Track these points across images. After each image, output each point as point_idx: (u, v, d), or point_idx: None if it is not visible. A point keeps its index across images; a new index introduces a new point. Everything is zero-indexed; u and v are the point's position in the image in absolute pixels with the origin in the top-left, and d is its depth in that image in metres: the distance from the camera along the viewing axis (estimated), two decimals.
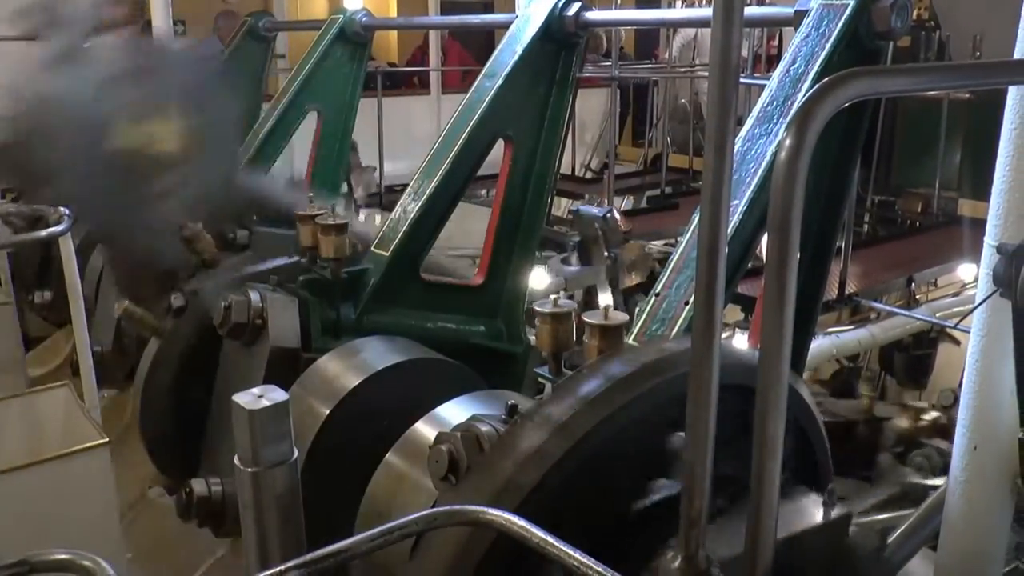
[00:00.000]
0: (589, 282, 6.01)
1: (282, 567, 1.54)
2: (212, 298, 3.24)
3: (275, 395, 1.85)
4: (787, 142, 1.42)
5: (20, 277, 5.25)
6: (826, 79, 1.50)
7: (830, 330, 6.00)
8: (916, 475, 4.23)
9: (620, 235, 5.90)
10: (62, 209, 3.78)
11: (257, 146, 4.90)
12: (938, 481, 3.09)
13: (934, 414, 5.20)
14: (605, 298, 5.67)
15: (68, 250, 3.73)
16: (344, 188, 6.08)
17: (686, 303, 2.53)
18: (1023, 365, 2.34)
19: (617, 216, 5.98)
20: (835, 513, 2.02)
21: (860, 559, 2.02)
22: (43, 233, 3.68)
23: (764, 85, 2.90)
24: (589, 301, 5.76)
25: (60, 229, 3.66)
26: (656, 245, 6.74)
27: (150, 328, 3.74)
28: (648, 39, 13.94)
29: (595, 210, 5.87)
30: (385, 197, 8.35)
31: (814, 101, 1.45)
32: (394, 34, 14.62)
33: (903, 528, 2.67)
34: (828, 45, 2.74)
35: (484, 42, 10.74)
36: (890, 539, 2.60)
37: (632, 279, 5.85)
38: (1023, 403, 2.38)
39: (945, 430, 5.00)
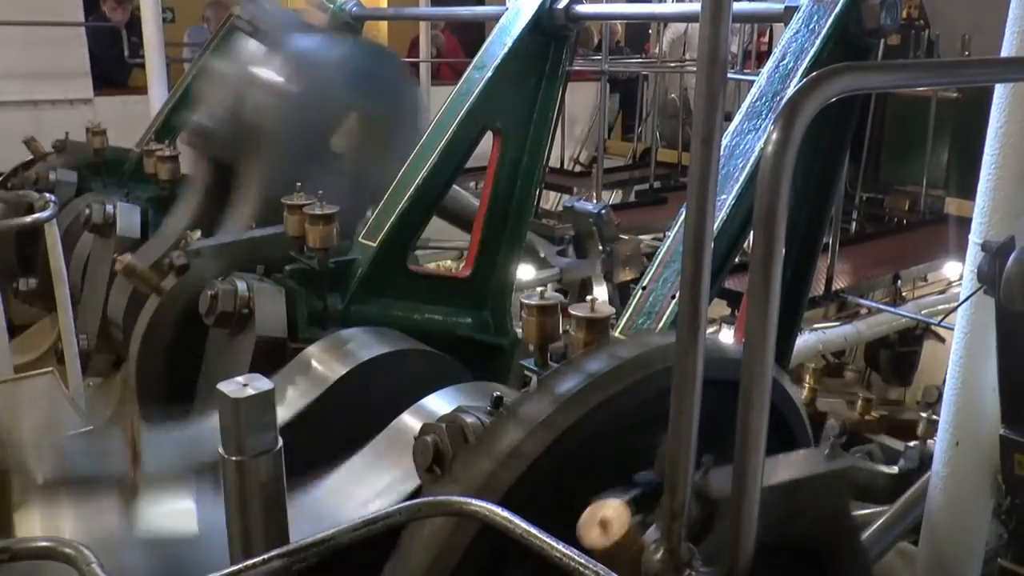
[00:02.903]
0: (584, 275, 6.01)
1: (265, 556, 1.54)
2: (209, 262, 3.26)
3: (260, 384, 1.84)
4: (774, 136, 1.42)
5: (4, 263, 5.23)
6: (814, 74, 1.50)
7: (816, 326, 6.03)
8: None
9: (615, 231, 5.90)
10: (47, 195, 3.76)
11: None
12: (891, 469, 3.11)
13: (883, 411, 5.24)
14: (600, 291, 5.67)
15: (54, 236, 3.71)
16: None
17: (673, 297, 2.54)
18: (1005, 362, 2.36)
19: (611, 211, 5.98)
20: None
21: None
22: (28, 219, 3.66)
23: (753, 81, 2.90)
24: (583, 295, 5.76)
25: (46, 215, 3.65)
26: (644, 239, 6.75)
27: (150, 285, 3.66)
28: (639, 35, 13.95)
29: (589, 206, 5.84)
30: None
31: (802, 95, 1.45)
32: (385, 29, 14.57)
33: (880, 522, 2.69)
34: (818, 42, 2.74)
35: (480, 36, 10.71)
36: (867, 533, 2.62)
37: (627, 273, 5.85)
38: (1005, 400, 2.40)
39: (895, 426, 5.04)
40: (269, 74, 4.11)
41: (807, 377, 5.26)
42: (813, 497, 1.86)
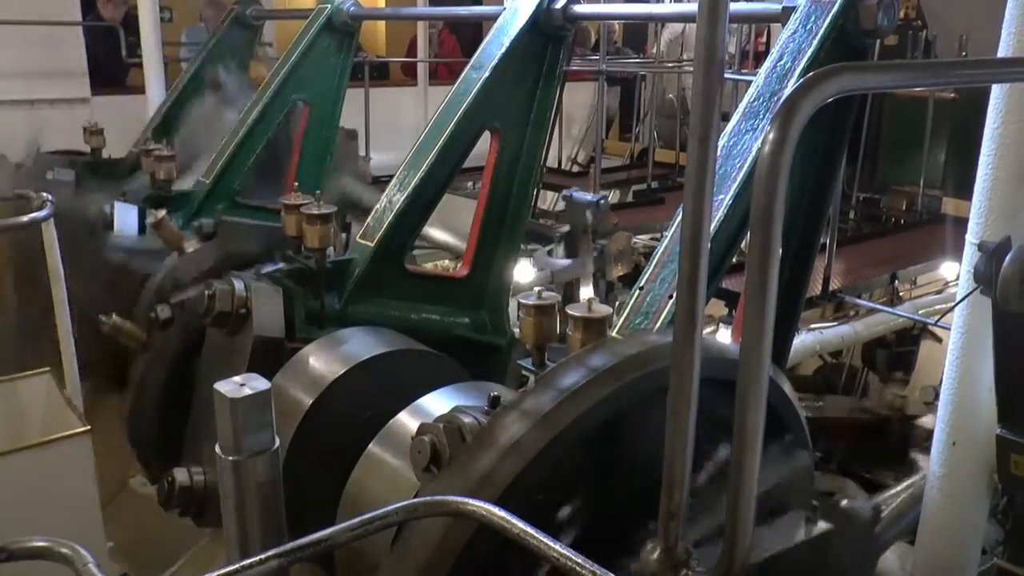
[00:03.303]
0: (575, 275, 6.01)
1: (263, 556, 1.54)
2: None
3: (257, 383, 1.84)
4: (771, 135, 1.42)
5: None
6: (811, 73, 1.51)
7: (813, 326, 6.04)
8: None
9: (610, 223, 5.89)
10: (44, 195, 3.76)
11: (243, 134, 4.87)
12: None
13: (880, 411, 5.26)
14: (587, 291, 5.67)
15: (51, 236, 3.70)
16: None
17: (670, 297, 2.54)
18: (1002, 362, 2.36)
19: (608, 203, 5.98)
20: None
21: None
22: (25, 219, 3.65)
23: (751, 81, 2.90)
24: (572, 294, 5.76)
25: (43, 215, 3.64)
26: (642, 239, 6.75)
27: (136, 341, 3.75)
28: (637, 35, 13.96)
29: (587, 196, 5.84)
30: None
31: (799, 95, 1.46)
32: (382, 29, 14.57)
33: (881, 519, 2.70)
34: (815, 42, 2.74)
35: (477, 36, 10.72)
36: None
37: (618, 270, 5.85)
38: (1001, 400, 2.41)
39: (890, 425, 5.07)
40: None
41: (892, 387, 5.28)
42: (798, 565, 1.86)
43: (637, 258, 6.04)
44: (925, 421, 5.39)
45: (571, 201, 5.83)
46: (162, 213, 4.03)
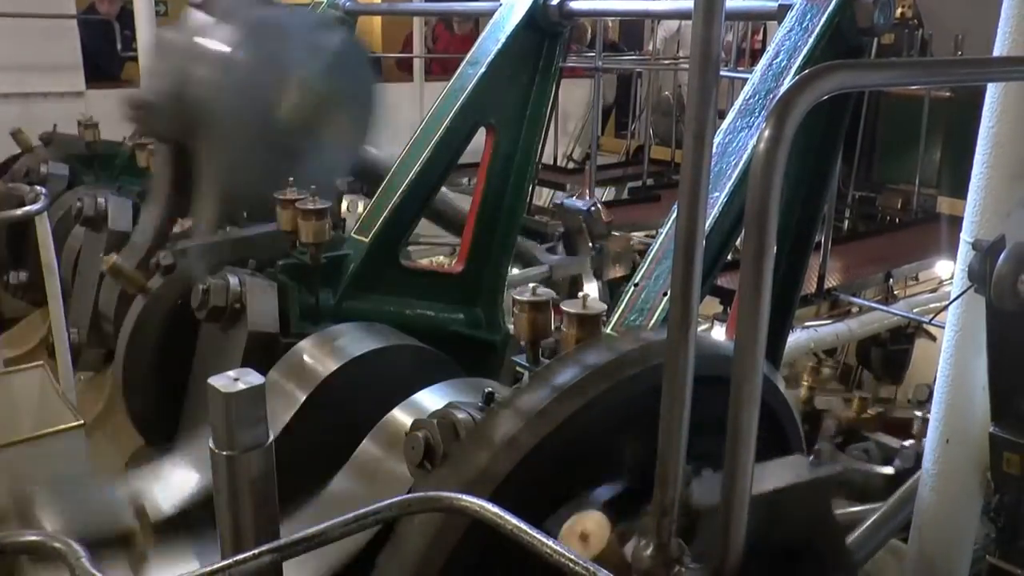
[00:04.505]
0: (574, 271, 6.01)
1: (256, 551, 1.54)
2: (196, 261, 3.24)
3: (251, 378, 1.83)
4: (766, 132, 1.42)
5: None
6: (807, 71, 1.51)
7: (808, 324, 6.05)
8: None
9: (604, 228, 5.90)
10: (38, 188, 3.75)
11: None
12: (886, 469, 3.11)
13: (879, 409, 5.27)
14: (590, 288, 5.67)
15: (44, 229, 3.70)
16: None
17: (664, 294, 2.54)
18: (995, 360, 2.37)
19: (602, 209, 5.98)
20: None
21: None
22: (19, 212, 3.65)
23: (747, 79, 2.90)
24: (574, 292, 5.76)
25: (36, 208, 3.63)
26: (637, 236, 6.75)
27: (136, 285, 3.67)
28: (633, 33, 13.95)
29: (579, 203, 5.84)
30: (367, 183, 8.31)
31: (794, 92, 1.46)
32: (378, 27, 14.53)
33: (872, 520, 2.70)
34: (811, 40, 2.75)
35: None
36: (859, 531, 2.63)
37: (617, 271, 5.85)
38: (995, 398, 2.41)
39: (891, 425, 5.07)
40: (215, 45, 3.79)
41: (803, 377, 5.29)
42: (796, 506, 1.86)
43: (635, 256, 6.03)
44: (834, 415, 5.42)
45: (562, 209, 5.85)
46: (113, 258, 3.64)
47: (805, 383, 5.99)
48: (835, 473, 1.93)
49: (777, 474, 1.85)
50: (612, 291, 5.78)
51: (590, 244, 5.75)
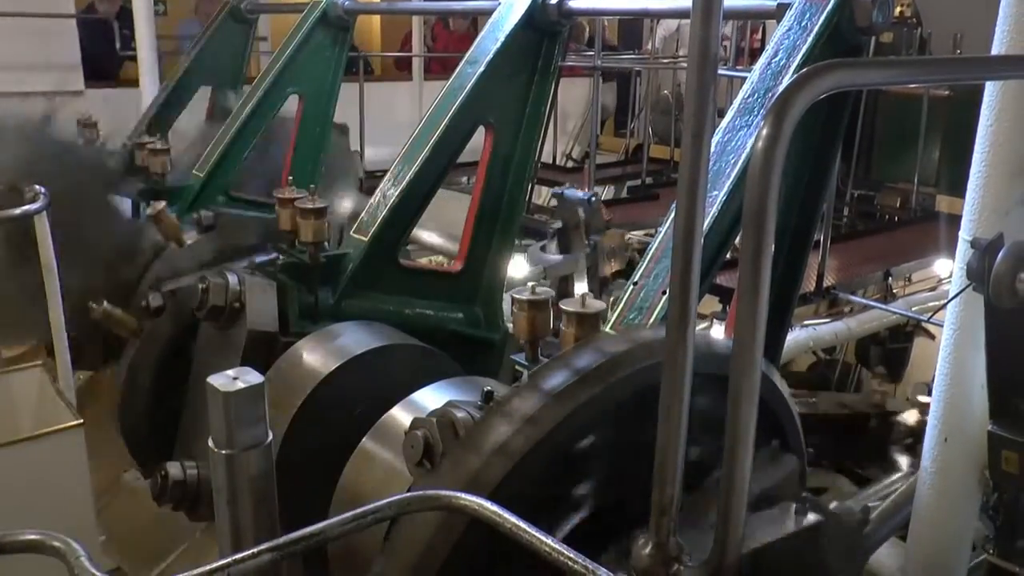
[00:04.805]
0: (569, 271, 6.01)
1: (255, 550, 1.54)
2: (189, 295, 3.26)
3: (250, 377, 1.84)
4: (764, 131, 1.42)
5: None
6: (805, 70, 1.51)
7: (807, 322, 6.05)
8: None
9: (602, 220, 5.90)
10: (38, 187, 3.74)
11: (237, 128, 4.86)
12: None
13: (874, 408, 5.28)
14: (581, 286, 5.67)
15: (44, 229, 3.69)
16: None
17: (663, 292, 2.54)
18: (994, 359, 2.37)
19: (600, 203, 5.98)
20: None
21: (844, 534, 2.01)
22: (17, 211, 3.64)
23: (746, 77, 2.91)
24: (566, 289, 5.76)
25: (36, 207, 3.63)
26: (636, 235, 6.76)
27: (127, 329, 3.74)
28: (634, 33, 13.95)
29: (579, 193, 5.85)
30: (366, 182, 8.32)
31: (792, 91, 1.46)
32: (377, 27, 14.53)
33: (872, 518, 2.70)
34: (810, 39, 2.74)
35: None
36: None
37: (611, 267, 5.85)
38: (993, 396, 2.41)
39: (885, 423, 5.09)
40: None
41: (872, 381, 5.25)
42: (786, 558, 1.86)
43: (631, 254, 6.03)
44: (905, 418, 5.42)
45: (563, 199, 5.84)
46: (161, 205, 4.01)
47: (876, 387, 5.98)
48: (821, 520, 1.92)
49: (762, 528, 1.84)
50: (603, 290, 5.79)
51: (585, 241, 5.74)
